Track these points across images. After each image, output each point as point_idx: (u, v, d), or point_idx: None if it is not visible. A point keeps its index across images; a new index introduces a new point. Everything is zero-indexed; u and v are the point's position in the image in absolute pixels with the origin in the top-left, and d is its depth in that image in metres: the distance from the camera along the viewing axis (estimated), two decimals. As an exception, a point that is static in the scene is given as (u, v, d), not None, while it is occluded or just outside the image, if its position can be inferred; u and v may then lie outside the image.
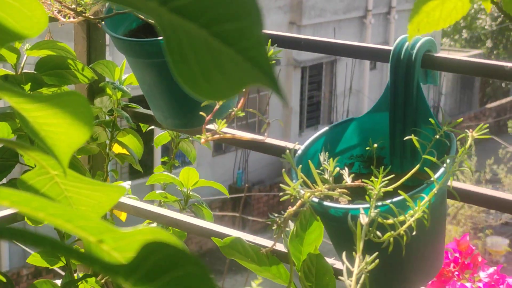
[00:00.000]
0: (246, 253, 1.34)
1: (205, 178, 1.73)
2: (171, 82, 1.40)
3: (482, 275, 2.49)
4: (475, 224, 11.36)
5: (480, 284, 2.45)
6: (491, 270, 2.48)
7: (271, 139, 1.36)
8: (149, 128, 1.73)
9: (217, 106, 1.25)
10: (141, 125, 1.63)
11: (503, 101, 16.75)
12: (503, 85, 17.36)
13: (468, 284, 2.49)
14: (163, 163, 1.76)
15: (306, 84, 14.07)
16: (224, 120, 1.21)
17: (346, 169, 1.26)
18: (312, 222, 1.32)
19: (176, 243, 0.46)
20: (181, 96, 1.40)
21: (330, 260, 1.33)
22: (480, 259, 2.69)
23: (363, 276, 1.05)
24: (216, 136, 1.22)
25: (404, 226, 1.08)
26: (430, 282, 1.43)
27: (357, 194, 1.20)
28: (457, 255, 2.71)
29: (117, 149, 1.60)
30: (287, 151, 1.18)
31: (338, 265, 1.36)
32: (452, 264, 2.71)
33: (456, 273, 2.69)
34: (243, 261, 1.35)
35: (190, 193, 1.68)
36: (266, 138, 1.27)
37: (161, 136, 1.74)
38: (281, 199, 1.15)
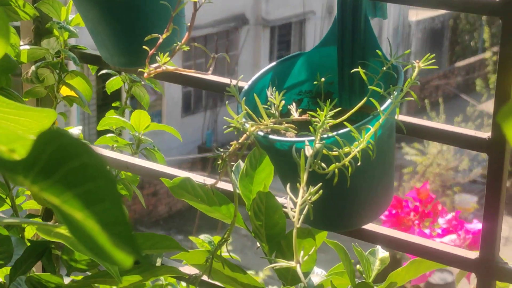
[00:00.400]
0: (196, 193, 1.32)
1: (173, 139, 1.71)
2: (114, 17, 1.37)
3: (441, 221, 2.51)
4: (443, 182, 11.45)
5: (439, 230, 2.47)
6: (449, 216, 2.49)
7: (215, 76, 1.34)
8: (101, 73, 1.70)
9: (160, 40, 1.23)
10: (90, 67, 1.60)
11: (472, 59, 16.82)
12: (472, 44, 17.41)
13: (427, 231, 2.50)
14: (115, 108, 1.73)
15: (275, 44, 14.05)
16: (167, 53, 1.18)
17: (294, 104, 1.24)
18: (262, 160, 1.31)
19: (70, 134, 0.44)
20: (125, 32, 1.38)
21: (280, 199, 1.32)
22: (440, 207, 2.70)
23: (306, 207, 1.04)
24: (159, 70, 1.19)
25: (349, 157, 1.07)
26: (379, 218, 1.42)
27: (305, 129, 1.19)
28: (417, 204, 2.73)
29: (65, 91, 1.57)
30: (232, 84, 1.16)
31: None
32: (412, 213, 2.73)
33: (417, 221, 2.70)
34: (192, 202, 1.33)
35: (142, 137, 1.66)
36: (210, 72, 1.24)
37: (113, 81, 1.71)
38: (224, 132, 1.13)
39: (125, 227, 0.44)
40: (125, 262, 0.46)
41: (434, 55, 1.13)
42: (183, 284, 1.84)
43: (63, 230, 0.83)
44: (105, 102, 10.68)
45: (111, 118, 1.65)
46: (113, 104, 1.74)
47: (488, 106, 13.14)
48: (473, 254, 1.22)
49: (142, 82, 1.72)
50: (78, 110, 10.22)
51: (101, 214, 0.44)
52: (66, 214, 0.46)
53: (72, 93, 1.57)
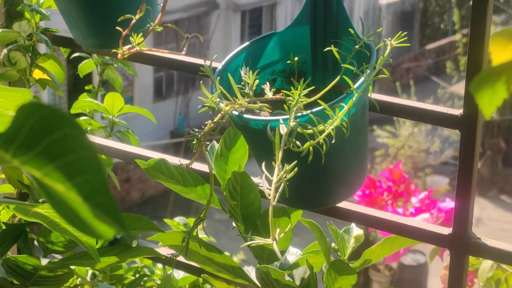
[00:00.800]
0: (171, 174, 1.32)
1: (145, 124, 1.71)
2: (87, -2, 1.36)
3: (414, 200, 2.53)
4: (415, 164, 11.52)
5: (412, 210, 2.49)
6: (422, 195, 2.51)
7: (189, 57, 1.35)
8: (73, 56, 1.69)
9: (133, 21, 1.23)
10: (62, 49, 1.59)
11: (442, 42, 16.90)
12: (442, 26, 17.49)
13: (400, 210, 2.53)
14: (88, 91, 1.73)
15: (246, 28, 14.03)
16: (141, 34, 1.18)
17: (268, 83, 1.24)
18: (237, 141, 1.31)
19: (51, 106, 0.44)
20: (98, 14, 1.37)
21: (255, 179, 1.33)
22: (413, 187, 2.72)
23: (282, 184, 1.05)
24: (133, 50, 1.19)
25: (323, 135, 1.07)
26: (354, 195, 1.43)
27: (279, 108, 1.19)
28: (390, 184, 2.75)
29: (37, 74, 1.56)
30: (206, 65, 1.16)
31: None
32: (385, 193, 2.75)
33: (390, 201, 2.72)
34: (167, 183, 1.33)
35: (116, 119, 1.65)
36: (184, 53, 1.24)
37: (86, 64, 1.71)
38: (199, 111, 1.13)
39: (106, 198, 0.44)
40: (107, 234, 0.46)
41: (406, 32, 1.14)
42: (159, 266, 1.85)
43: (40, 209, 0.83)
44: (76, 88, 10.63)
45: (85, 101, 1.65)
46: (86, 87, 1.74)
47: (459, 87, 13.22)
48: (447, 230, 1.23)
49: (115, 65, 1.71)
50: (48, 95, 10.15)
51: (83, 185, 0.44)
52: (48, 187, 0.46)
53: (45, 76, 1.56)
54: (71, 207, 0.46)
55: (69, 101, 10.33)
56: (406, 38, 1.13)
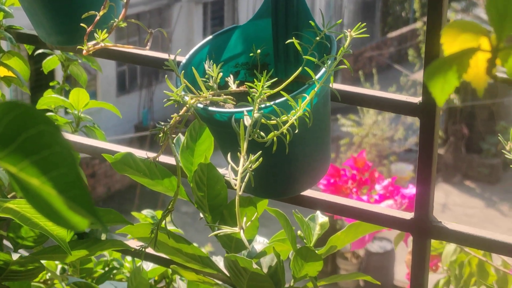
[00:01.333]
0: (138, 168, 1.34)
1: (109, 118, 1.72)
2: (51, -4, 1.38)
3: (378, 187, 2.57)
4: (380, 151, 11.60)
5: (376, 197, 2.52)
6: (386, 182, 2.55)
7: (153, 51, 1.36)
8: (37, 52, 1.70)
9: (97, 17, 1.24)
10: (27, 46, 1.60)
11: (404, 30, 17.01)
12: (403, 14, 17.60)
13: (364, 198, 2.56)
14: (52, 87, 1.74)
15: (208, 20, 14.02)
16: (105, 30, 1.20)
17: (231, 76, 1.27)
18: (202, 133, 1.34)
19: (27, 104, 0.46)
20: (62, 10, 1.38)
21: (221, 170, 1.35)
22: (377, 174, 2.76)
23: (248, 175, 1.07)
24: (98, 47, 1.21)
25: (287, 125, 1.10)
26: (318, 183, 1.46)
27: (243, 100, 1.22)
28: (354, 172, 2.79)
29: (2, 72, 1.57)
30: (170, 59, 1.18)
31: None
32: (350, 181, 2.78)
33: (354, 189, 2.76)
34: (135, 176, 1.35)
35: (81, 115, 1.67)
36: (148, 48, 1.26)
37: (50, 61, 1.72)
38: (165, 105, 1.15)
39: (81, 190, 0.46)
40: (81, 225, 0.49)
41: (365, 24, 1.17)
42: (128, 259, 1.87)
43: (12, 204, 0.85)
44: (38, 83, 10.56)
45: (50, 97, 1.66)
46: (51, 83, 1.75)
47: (421, 75, 13.28)
48: (409, 215, 1.26)
49: (79, 61, 1.72)
50: (11, 92, 10.07)
51: (57, 179, 0.46)
52: (23, 181, 0.48)
53: (10, 74, 1.57)
54: (46, 200, 0.48)
55: (32, 97, 10.26)
56: (365, 29, 1.16)
